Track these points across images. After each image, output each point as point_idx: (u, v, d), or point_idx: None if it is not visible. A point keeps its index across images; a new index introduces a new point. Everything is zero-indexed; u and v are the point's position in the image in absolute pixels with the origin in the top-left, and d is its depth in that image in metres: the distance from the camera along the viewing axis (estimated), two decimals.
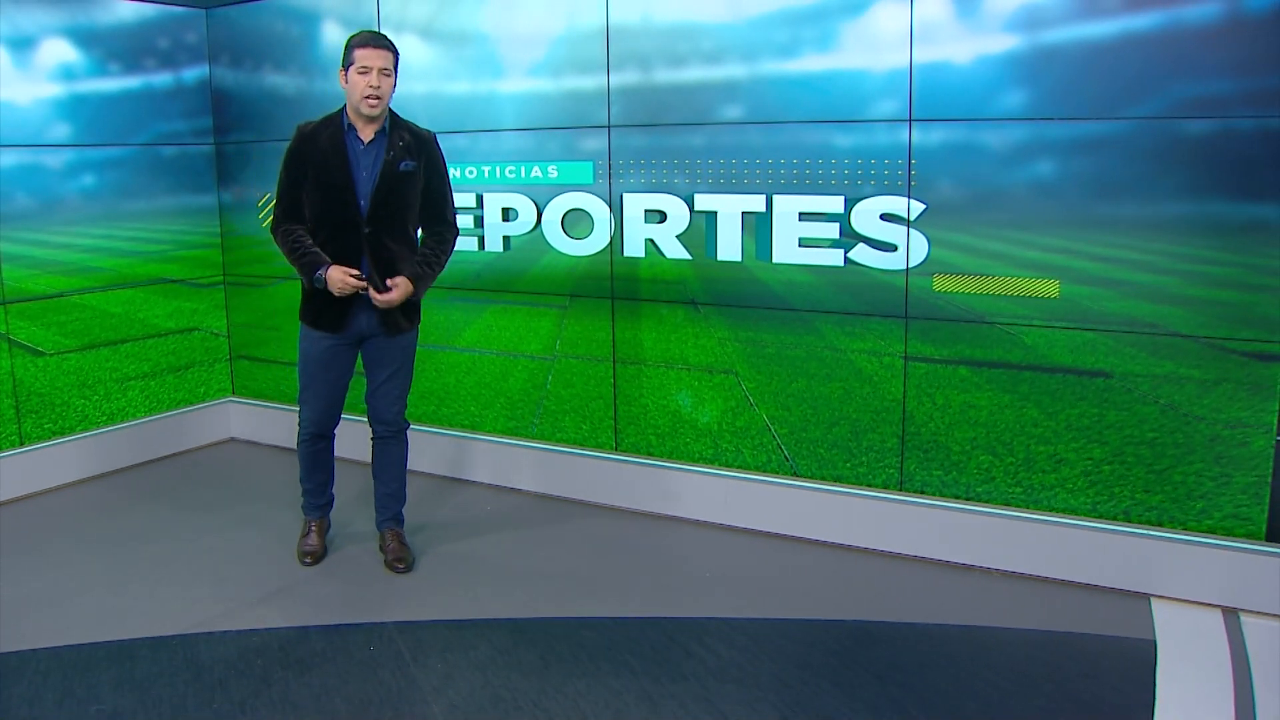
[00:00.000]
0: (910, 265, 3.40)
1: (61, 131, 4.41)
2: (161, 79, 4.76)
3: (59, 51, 4.37)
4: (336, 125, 3.24)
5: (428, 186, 3.34)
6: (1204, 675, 2.74)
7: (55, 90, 4.37)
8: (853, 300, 3.53)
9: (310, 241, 3.25)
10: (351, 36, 3.20)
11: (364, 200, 3.22)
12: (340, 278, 3.16)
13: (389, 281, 3.24)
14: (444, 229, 3.41)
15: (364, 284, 3.18)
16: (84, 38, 4.45)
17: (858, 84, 3.39)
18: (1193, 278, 3.04)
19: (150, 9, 4.68)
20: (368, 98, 3.13)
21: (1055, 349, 3.24)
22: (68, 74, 4.40)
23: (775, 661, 2.88)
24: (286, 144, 3.29)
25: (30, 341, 4.38)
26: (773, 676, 2.79)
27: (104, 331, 4.66)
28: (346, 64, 3.18)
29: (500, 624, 3.11)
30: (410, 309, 3.38)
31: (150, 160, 4.77)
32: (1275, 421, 2.99)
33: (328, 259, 3.21)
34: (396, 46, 3.22)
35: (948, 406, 3.43)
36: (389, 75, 3.17)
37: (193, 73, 4.88)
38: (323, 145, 3.22)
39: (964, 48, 3.21)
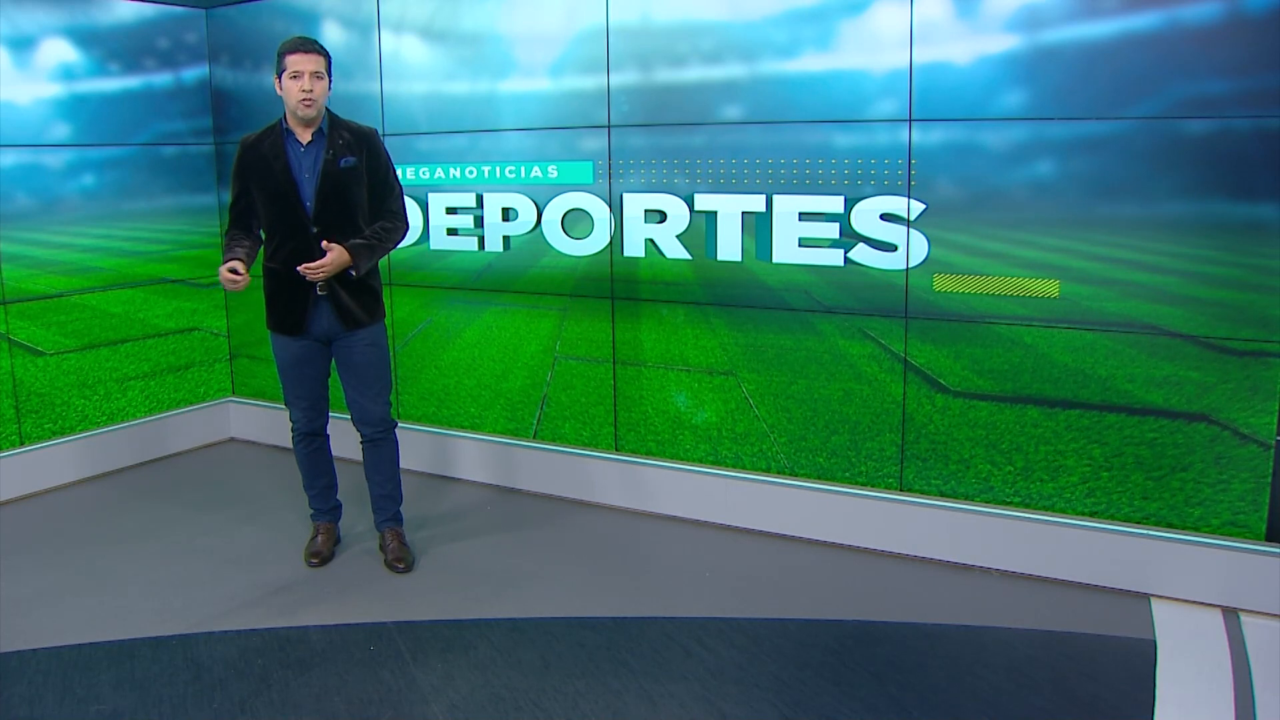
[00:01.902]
0: (910, 265, 3.40)
1: (61, 131, 4.41)
2: (161, 79, 4.76)
3: (59, 51, 4.37)
4: (276, 132, 3.28)
5: (372, 180, 3.35)
6: (1204, 675, 2.74)
7: (55, 90, 4.37)
8: (853, 300, 3.53)
9: (239, 244, 3.29)
10: (282, 44, 3.23)
11: (309, 201, 3.25)
12: (221, 273, 3.16)
13: (324, 245, 3.22)
14: (389, 218, 3.40)
15: (236, 275, 3.12)
16: (84, 38, 4.45)
17: (857, 84, 3.39)
18: (1192, 278, 3.03)
19: (150, 9, 4.68)
20: (303, 100, 3.18)
21: (1055, 349, 3.24)
22: (68, 74, 4.40)
23: (775, 661, 2.88)
24: None
25: (30, 341, 4.38)
26: (772, 676, 2.79)
27: (104, 331, 4.66)
28: (279, 71, 3.21)
29: (500, 624, 3.11)
30: (368, 302, 3.38)
31: (150, 160, 4.77)
32: (1275, 421, 2.99)
33: (238, 257, 3.21)
34: (327, 50, 3.26)
35: (947, 408, 3.43)
36: (321, 78, 3.21)
37: (193, 73, 4.88)
38: (264, 153, 3.27)
39: (963, 48, 3.21)
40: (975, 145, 3.25)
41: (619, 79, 3.81)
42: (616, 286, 3.98)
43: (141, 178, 4.74)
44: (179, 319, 4.95)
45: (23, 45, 4.24)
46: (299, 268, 3.21)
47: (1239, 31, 2.86)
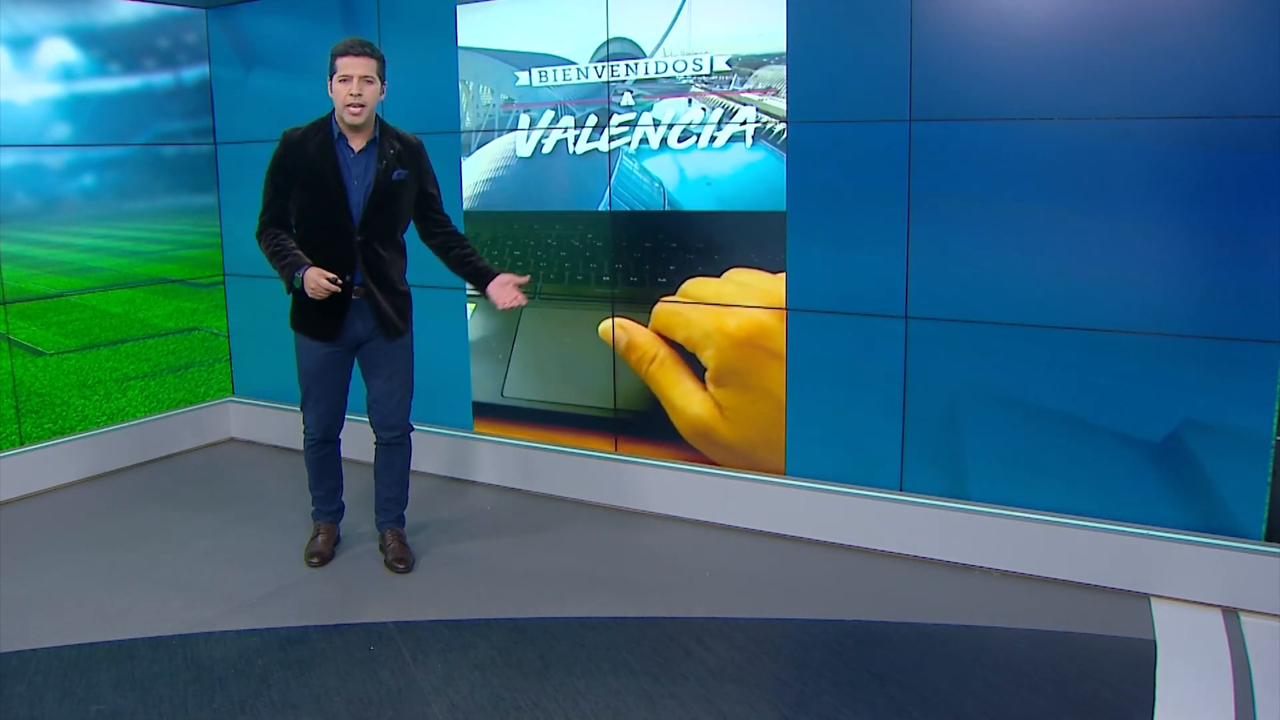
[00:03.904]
0: None
1: (61, 131, 4.41)
2: (161, 79, 4.76)
3: (59, 51, 4.37)
4: (326, 133, 3.22)
5: (423, 192, 3.36)
6: (1204, 675, 2.74)
7: (55, 90, 4.37)
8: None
9: (293, 245, 3.24)
10: (334, 46, 3.18)
11: (356, 209, 3.22)
12: (316, 278, 3.12)
13: (506, 281, 3.31)
14: (449, 227, 3.47)
15: (338, 287, 3.13)
16: (84, 38, 4.45)
17: None
18: (1192, 277, 3.03)
19: (150, 9, 4.68)
20: (349, 106, 3.13)
21: (1056, 348, 3.24)
22: (68, 74, 4.40)
23: (775, 661, 2.88)
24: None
25: (30, 341, 4.38)
26: (772, 676, 2.79)
27: (104, 331, 4.66)
28: (330, 73, 3.18)
29: (500, 624, 3.11)
30: (405, 309, 3.39)
31: (150, 160, 4.77)
32: (1275, 421, 2.99)
33: (308, 261, 3.19)
34: (380, 53, 3.20)
35: (948, 407, 3.43)
36: (371, 83, 3.15)
37: (193, 73, 4.87)
38: (311, 153, 3.20)
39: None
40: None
41: None
42: None
43: (141, 178, 4.74)
44: (179, 319, 4.95)
45: (23, 45, 4.24)
46: (503, 305, 3.29)
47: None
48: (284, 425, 4.86)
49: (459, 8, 4.15)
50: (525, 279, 3.37)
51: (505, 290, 3.31)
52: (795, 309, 3.63)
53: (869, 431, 3.58)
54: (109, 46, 4.54)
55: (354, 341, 3.35)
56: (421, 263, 4.44)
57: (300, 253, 3.21)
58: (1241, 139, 2.90)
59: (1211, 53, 2.90)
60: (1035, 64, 3.13)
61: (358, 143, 3.22)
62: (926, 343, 3.43)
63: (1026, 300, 3.25)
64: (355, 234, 3.23)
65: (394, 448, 3.53)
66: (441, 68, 4.23)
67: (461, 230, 4.26)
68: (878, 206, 3.42)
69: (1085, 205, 3.12)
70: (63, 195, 4.45)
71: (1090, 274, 3.16)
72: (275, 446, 4.98)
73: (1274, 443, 3.00)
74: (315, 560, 3.56)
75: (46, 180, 4.38)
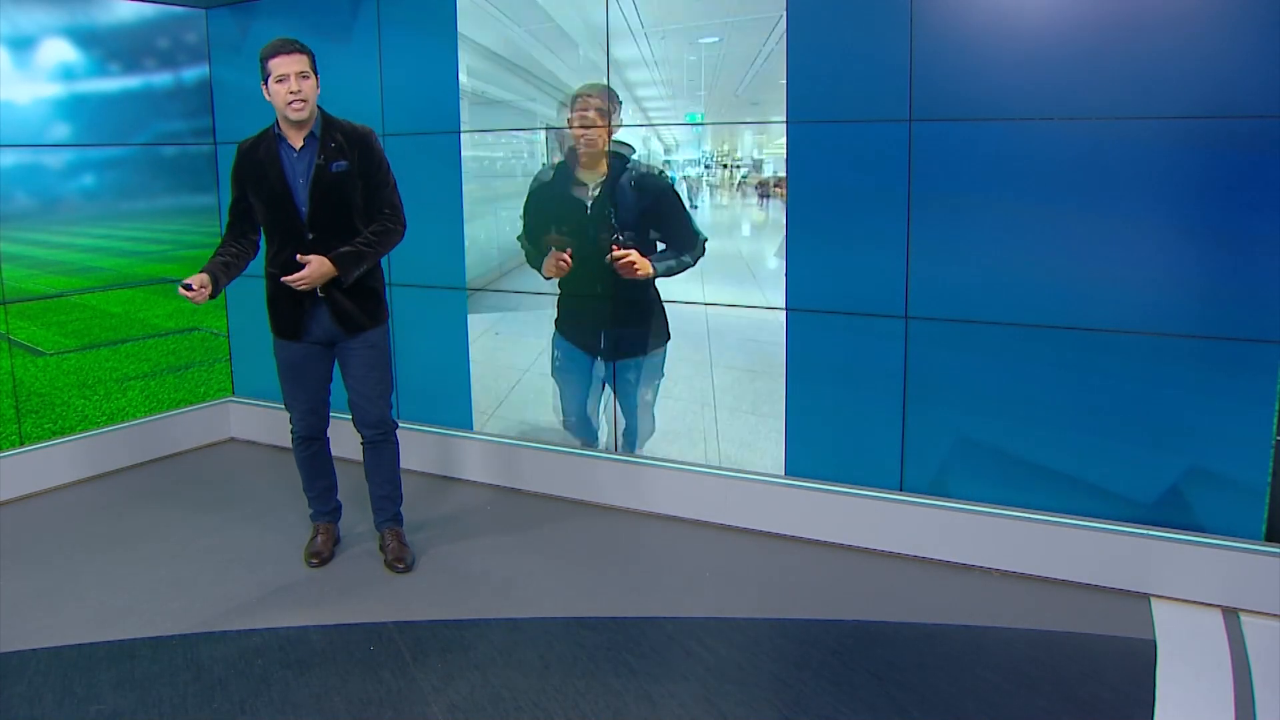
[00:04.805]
0: None
1: (61, 131, 4.40)
2: (161, 79, 4.76)
3: (59, 51, 4.37)
4: (271, 137, 3.25)
5: (365, 182, 3.29)
6: (1204, 675, 2.74)
7: (55, 90, 4.37)
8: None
9: (219, 257, 3.28)
10: (262, 49, 3.18)
11: (303, 208, 3.23)
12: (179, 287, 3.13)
13: (300, 258, 3.17)
14: (382, 221, 3.33)
15: (190, 294, 3.08)
16: (84, 38, 4.45)
17: None
18: (1192, 277, 3.03)
19: (150, 9, 4.68)
20: (291, 104, 3.14)
21: (1056, 348, 3.24)
22: (68, 74, 4.40)
23: (775, 661, 2.88)
24: None
25: (30, 341, 4.38)
26: (772, 676, 2.79)
27: (104, 331, 4.66)
28: (264, 77, 3.17)
29: (500, 624, 3.11)
30: (369, 305, 3.36)
31: (150, 160, 4.76)
32: (1275, 421, 2.99)
33: (208, 269, 3.19)
34: (309, 48, 3.21)
35: (948, 407, 3.43)
36: (308, 77, 3.16)
37: (193, 73, 4.87)
38: (260, 158, 3.24)
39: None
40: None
41: None
42: None
43: (141, 178, 4.74)
44: (179, 319, 4.95)
45: (23, 45, 4.24)
46: (281, 279, 3.19)
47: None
48: (284, 425, 4.81)
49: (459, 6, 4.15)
50: (308, 274, 3.15)
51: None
52: (795, 309, 3.63)
53: (869, 431, 3.58)
54: (109, 46, 4.54)
55: (325, 339, 3.36)
56: (421, 262, 4.46)
57: (216, 259, 3.26)
58: (1241, 139, 2.90)
59: (1211, 53, 2.90)
60: (1035, 64, 3.13)
61: (297, 141, 3.22)
62: (926, 343, 3.43)
63: (1026, 300, 3.26)
64: (306, 232, 3.23)
65: (379, 445, 3.53)
66: (442, 67, 4.23)
67: (462, 230, 4.28)
68: (878, 206, 3.43)
69: (1085, 205, 3.12)
70: (63, 195, 4.45)
71: (1090, 274, 3.16)
72: (275, 446, 4.97)
73: (1274, 443, 3.00)
74: (315, 560, 3.57)
75: (46, 180, 4.38)
